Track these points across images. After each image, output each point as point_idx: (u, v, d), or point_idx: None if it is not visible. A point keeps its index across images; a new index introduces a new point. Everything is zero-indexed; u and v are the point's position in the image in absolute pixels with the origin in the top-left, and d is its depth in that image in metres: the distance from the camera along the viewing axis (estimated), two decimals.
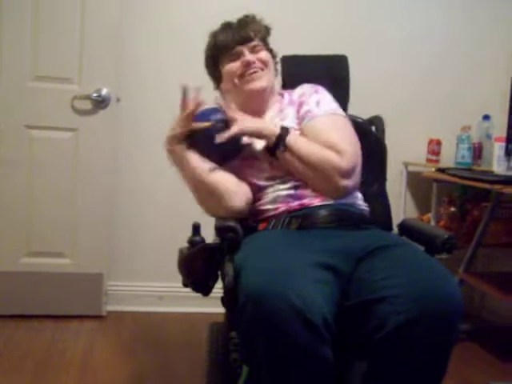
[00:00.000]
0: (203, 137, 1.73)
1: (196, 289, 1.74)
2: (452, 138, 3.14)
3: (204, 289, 1.73)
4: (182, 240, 1.79)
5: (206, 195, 1.75)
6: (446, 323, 1.36)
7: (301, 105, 1.85)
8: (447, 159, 3.17)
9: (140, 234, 3.10)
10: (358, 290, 1.44)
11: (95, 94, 2.83)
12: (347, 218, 1.71)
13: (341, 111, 1.87)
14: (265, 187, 1.78)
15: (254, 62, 1.84)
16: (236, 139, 1.73)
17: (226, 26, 1.91)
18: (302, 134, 1.80)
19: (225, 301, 1.58)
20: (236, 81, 1.86)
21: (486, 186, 2.59)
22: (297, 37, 2.98)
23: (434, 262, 1.50)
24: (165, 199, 3.07)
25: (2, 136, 2.80)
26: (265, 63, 1.87)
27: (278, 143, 1.72)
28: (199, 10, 3.05)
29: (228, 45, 1.86)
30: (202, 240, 1.73)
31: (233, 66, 1.86)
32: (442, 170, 2.94)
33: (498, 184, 2.53)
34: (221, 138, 1.68)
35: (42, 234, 2.87)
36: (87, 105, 2.84)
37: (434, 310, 1.34)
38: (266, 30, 1.94)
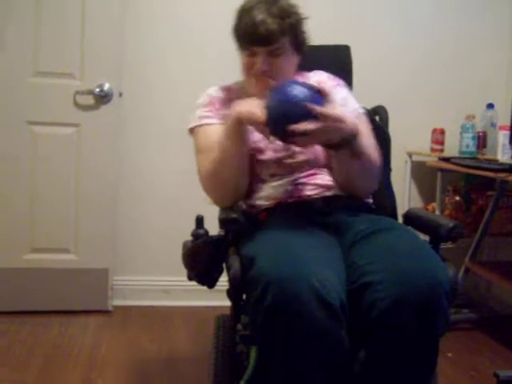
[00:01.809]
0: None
1: (201, 282, 1.74)
2: (456, 127, 3.12)
3: (209, 281, 1.73)
4: (187, 233, 1.78)
5: (220, 182, 1.70)
6: (429, 309, 1.35)
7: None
8: (451, 148, 3.15)
9: (144, 227, 3.09)
10: (351, 275, 1.43)
11: (97, 89, 2.82)
12: (344, 205, 1.70)
13: (361, 107, 1.84)
14: (263, 182, 1.76)
15: (266, 72, 1.70)
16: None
17: (254, 11, 1.68)
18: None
19: (230, 293, 1.58)
20: (245, 76, 1.78)
21: (491, 174, 2.58)
22: None
23: (423, 246, 1.48)
24: (168, 193, 3.07)
25: (4, 132, 2.80)
26: (279, 71, 1.71)
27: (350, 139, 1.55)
28: (202, 3, 3.04)
29: (246, 40, 1.71)
30: (206, 232, 1.73)
31: (246, 61, 1.75)
32: (446, 160, 2.93)
33: (503, 172, 2.52)
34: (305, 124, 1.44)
35: (46, 229, 2.87)
36: (89, 100, 2.84)
37: (416, 295, 1.34)
38: (296, 28, 1.73)
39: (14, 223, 2.85)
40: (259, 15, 1.66)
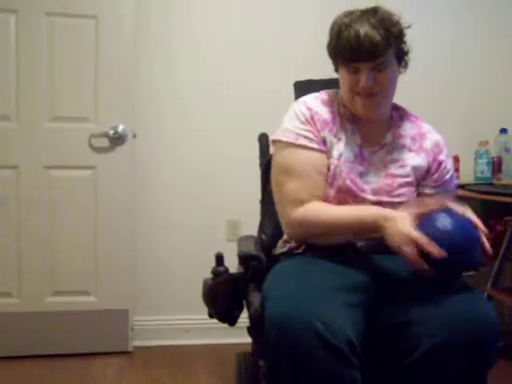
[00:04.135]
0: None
1: (222, 319, 1.73)
2: (469, 153, 3.12)
3: (230, 319, 1.72)
4: (206, 271, 1.78)
5: (306, 235, 1.62)
6: (479, 347, 1.34)
7: (438, 165, 1.74)
8: (466, 175, 3.14)
9: (163, 266, 3.09)
10: (389, 313, 1.42)
11: (112, 131, 2.85)
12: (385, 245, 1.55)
13: None
14: None
15: (371, 88, 1.58)
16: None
17: (355, 25, 1.55)
18: (420, 195, 1.72)
19: (251, 330, 1.57)
20: (348, 95, 1.64)
21: (508, 199, 2.57)
22: (310, 61, 3.00)
23: (466, 285, 1.47)
24: (186, 231, 3.08)
25: (21, 177, 2.83)
26: (385, 86, 1.60)
27: None
28: (216, 41, 3.08)
29: (349, 56, 1.57)
30: (226, 270, 1.72)
31: (347, 79, 1.61)
32: (461, 187, 2.92)
33: None
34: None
35: (65, 272, 2.88)
36: (104, 142, 2.87)
37: (467, 333, 1.33)
38: (400, 38, 1.61)
39: (34, 266, 2.85)
40: (361, 29, 1.53)
